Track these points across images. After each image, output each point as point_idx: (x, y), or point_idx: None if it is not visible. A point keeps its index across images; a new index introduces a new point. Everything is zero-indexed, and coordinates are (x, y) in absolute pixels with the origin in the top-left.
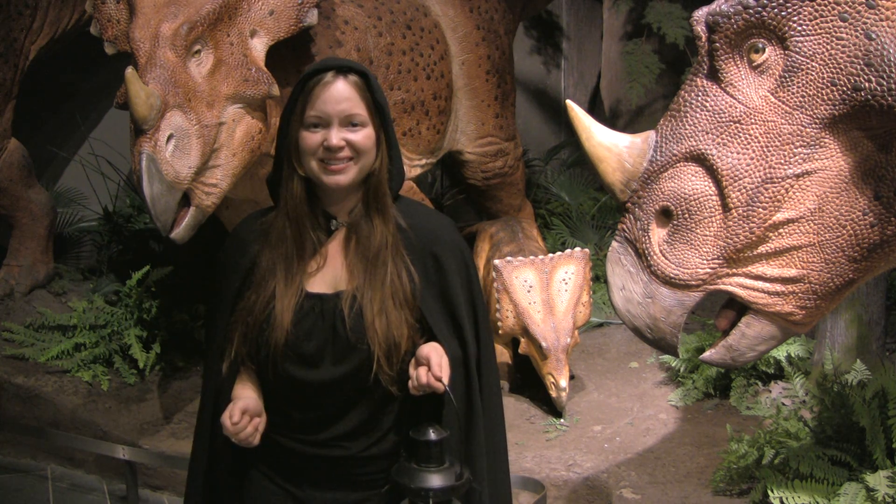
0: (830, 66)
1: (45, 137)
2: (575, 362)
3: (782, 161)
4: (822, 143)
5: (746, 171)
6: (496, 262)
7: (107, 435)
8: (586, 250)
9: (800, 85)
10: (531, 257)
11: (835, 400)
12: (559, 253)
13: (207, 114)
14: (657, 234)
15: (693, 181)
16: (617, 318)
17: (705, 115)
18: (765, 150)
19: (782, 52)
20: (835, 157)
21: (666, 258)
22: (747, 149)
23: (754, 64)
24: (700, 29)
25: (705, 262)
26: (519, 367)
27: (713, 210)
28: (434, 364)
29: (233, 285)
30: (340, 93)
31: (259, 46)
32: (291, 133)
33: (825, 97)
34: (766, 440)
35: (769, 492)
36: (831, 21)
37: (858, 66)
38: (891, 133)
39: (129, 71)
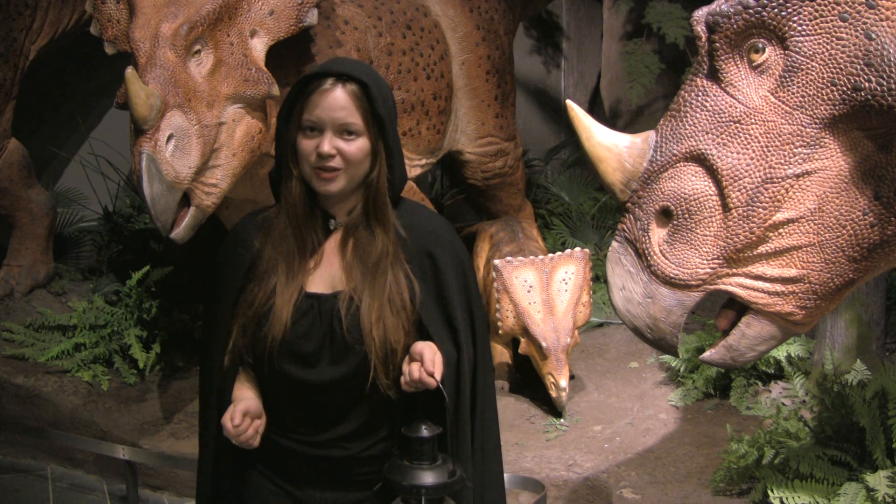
0: (830, 66)
1: (45, 137)
2: (575, 362)
3: (782, 161)
4: (822, 143)
5: (746, 171)
6: (496, 262)
7: (107, 435)
8: (586, 250)
9: (800, 85)
10: (531, 257)
11: (835, 400)
12: (559, 253)
13: (207, 114)
14: (657, 234)
15: (693, 181)
16: (617, 318)
17: (705, 115)
18: (765, 150)
19: (782, 52)
20: (835, 157)
21: (666, 258)
22: (747, 149)
23: (754, 64)
24: (700, 29)
25: (705, 262)
26: (519, 367)
27: (713, 210)
28: (427, 360)
29: (235, 279)
30: (337, 101)
31: (259, 46)
32: (289, 134)
33: (825, 97)
34: (766, 440)
35: (769, 492)
36: (831, 21)
37: (858, 66)
38: (891, 133)
39: (129, 71)
